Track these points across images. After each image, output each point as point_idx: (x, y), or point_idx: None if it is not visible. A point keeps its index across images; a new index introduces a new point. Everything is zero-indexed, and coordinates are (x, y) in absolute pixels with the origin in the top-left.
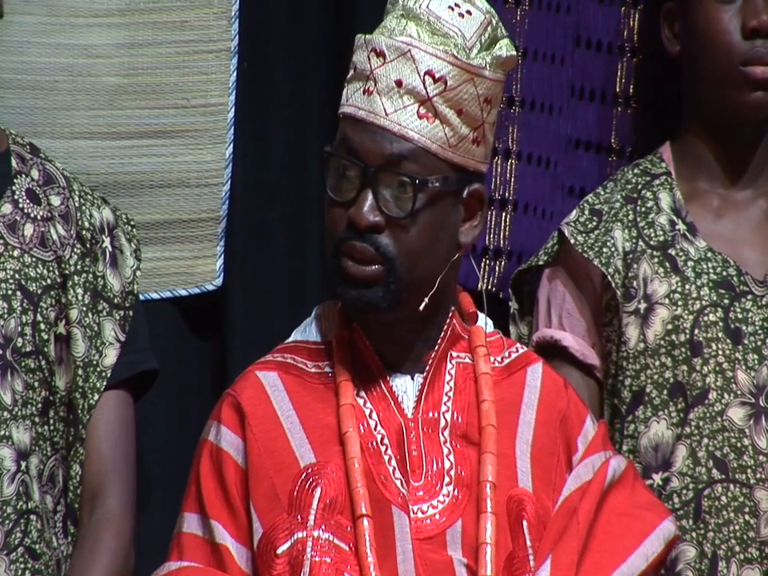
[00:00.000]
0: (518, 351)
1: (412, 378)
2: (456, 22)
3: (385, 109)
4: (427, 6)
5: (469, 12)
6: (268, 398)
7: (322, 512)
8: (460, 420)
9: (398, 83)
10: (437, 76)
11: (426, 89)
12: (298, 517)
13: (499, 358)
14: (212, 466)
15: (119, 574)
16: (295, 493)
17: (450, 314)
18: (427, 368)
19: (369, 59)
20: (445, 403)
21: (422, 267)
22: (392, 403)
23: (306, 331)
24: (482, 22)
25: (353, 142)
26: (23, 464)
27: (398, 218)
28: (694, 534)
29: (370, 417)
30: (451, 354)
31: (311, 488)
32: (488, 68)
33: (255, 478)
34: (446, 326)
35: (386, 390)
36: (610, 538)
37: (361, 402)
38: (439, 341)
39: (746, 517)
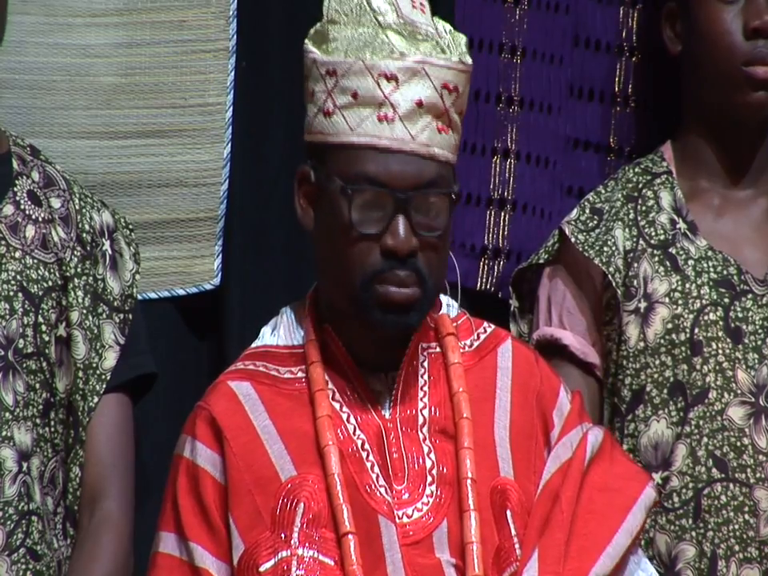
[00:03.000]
0: (486, 331)
1: (386, 376)
2: (425, 20)
3: (410, 133)
4: (401, 12)
5: (422, 4)
6: (243, 408)
7: (306, 528)
8: (438, 414)
9: (419, 104)
10: (451, 87)
11: (443, 102)
12: (282, 535)
13: (468, 342)
14: (188, 483)
15: None
16: (278, 511)
17: None
18: (401, 365)
19: (378, 84)
20: (421, 399)
21: (443, 279)
22: (369, 405)
23: (275, 335)
24: (429, 8)
25: (378, 172)
26: (25, 465)
27: (434, 237)
28: (693, 533)
29: (348, 421)
30: (422, 346)
31: (293, 505)
32: (471, 61)
33: (236, 494)
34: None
35: (361, 392)
36: (594, 517)
37: (337, 405)
38: (414, 338)
39: (746, 516)
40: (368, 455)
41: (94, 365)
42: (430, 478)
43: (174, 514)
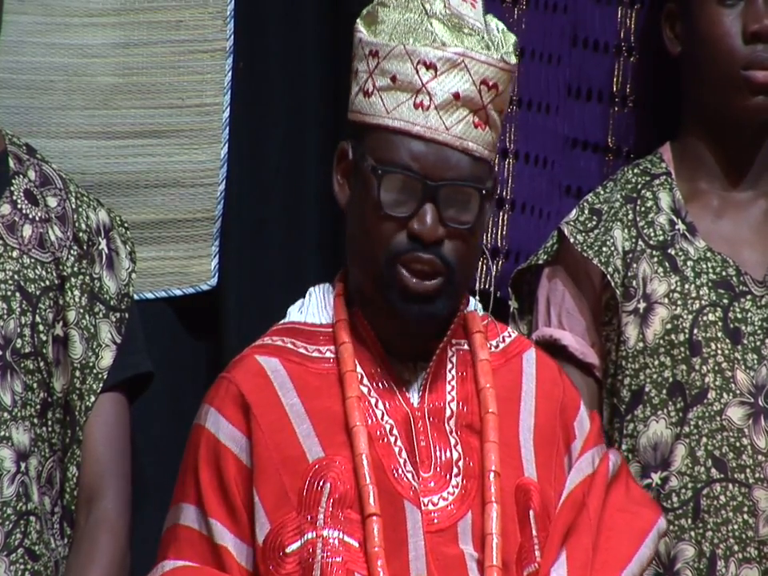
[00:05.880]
0: (510, 336)
1: (415, 366)
2: (474, 15)
3: (444, 123)
4: (449, 3)
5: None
6: (271, 384)
7: (332, 509)
8: (466, 410)
9: (456, 96)
10: (491, 84)
11: (481, 98)
12: (308, 517)
13: (494, 343)
14: (209, 456)
15: None
16: (305, 492)
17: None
18: (434, 357)
19: (417, 71)
20: (449, 392)
21: (474, 269)
22: (397, 393)
23: (302, 313)
24: (482, 4)
25: (409, 158)
26: (23, 465)
27: (463, 229)
28: (692, 533)
29: (376, 406)
30: (451, 342)
31: (320, 486)
32: (516, 62)
33: (262, 472)
34: (456, 316)
35: (390, 379)
36: (614, 535)
37: (365, 390)
38: (449, 331)
39: (745, 516)
40: (396, 440)
41: (91, 364)
42: (456, 470)
43: (194, 486)
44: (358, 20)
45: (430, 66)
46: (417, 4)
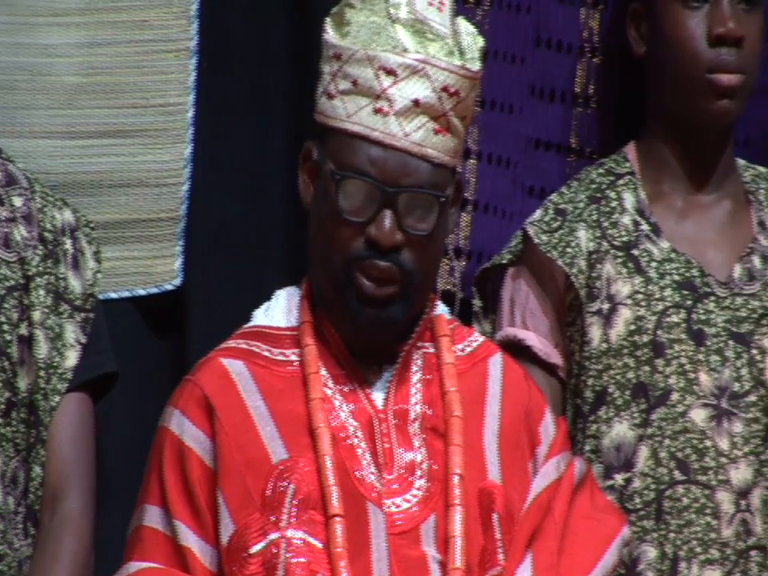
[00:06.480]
0: (477, 340)
1: (380, 368)
2: (440, 19)
3: (404, 130)
4: (415, 8)
5: (442, 3)
6: (235, 386)
7: (296, 510)
8: (431, 412)
9: (416, 103)
10: (452, 90)
11: (442, 105)
12: (272, 517)
13: (461, 347)
14: (174, 458)
15: None
16: (268, 492)
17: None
18: (399, 360)
19: (377, 76)
20: (413, 395)
21: (434, 274)
22: (361, 395)
23: (268, 316)
24: (451, 8)
25: (367, 163)
26: None
27: (421, 236)
28: (655, 535)
29: (341, 409)
30: (417, 344)
31: (284, 487)
32: (481, 68)
33: (226, 475)
34: (422, 319)
35: (355, 381)
36: (579, 540)
37: (330, 392)
38: (414, 334)
39: (708, 518)
40: (359, 442)
41: (56, 364)
42: (419, 472)
43: (159, 487)
44: (327, 19)
45: (390, 72)
46: (382, 7)
